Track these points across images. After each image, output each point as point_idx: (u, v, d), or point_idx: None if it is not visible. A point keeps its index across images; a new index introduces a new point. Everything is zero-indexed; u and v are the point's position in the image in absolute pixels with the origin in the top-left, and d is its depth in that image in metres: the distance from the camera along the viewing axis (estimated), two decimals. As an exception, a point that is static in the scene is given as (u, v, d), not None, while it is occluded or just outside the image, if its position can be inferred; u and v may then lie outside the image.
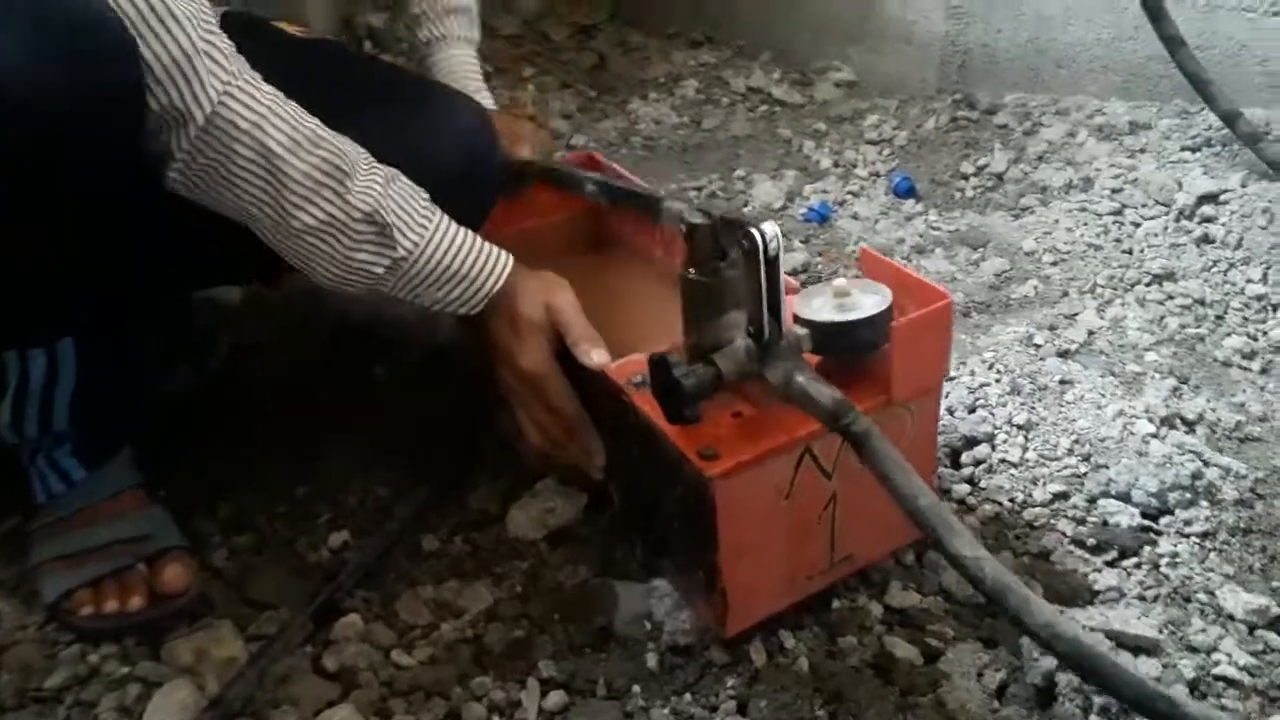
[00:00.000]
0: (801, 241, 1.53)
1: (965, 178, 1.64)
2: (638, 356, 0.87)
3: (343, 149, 0.81)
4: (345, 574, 0.95)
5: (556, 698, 0.84)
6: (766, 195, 1.65)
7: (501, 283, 0.89)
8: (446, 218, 0.88)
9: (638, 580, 0.92)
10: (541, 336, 0.91)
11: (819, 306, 0.79)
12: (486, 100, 1.21)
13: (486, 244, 0.90)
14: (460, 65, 1.22)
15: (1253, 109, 1.47)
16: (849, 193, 1.64)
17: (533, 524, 0.99)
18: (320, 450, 1.12)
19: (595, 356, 0.88)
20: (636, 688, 0.84)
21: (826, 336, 0.77)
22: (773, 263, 0.70)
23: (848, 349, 0.78)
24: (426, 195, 0.87)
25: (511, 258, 0.91)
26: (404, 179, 0.86)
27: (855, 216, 1.57)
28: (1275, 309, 1.22)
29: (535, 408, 0.93)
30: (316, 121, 0.80)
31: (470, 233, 0.89)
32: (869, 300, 0.78)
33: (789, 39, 2.03)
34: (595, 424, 0.92)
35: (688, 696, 0.83)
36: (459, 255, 0.87)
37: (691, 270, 0.77)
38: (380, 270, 0.84)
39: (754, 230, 0.69)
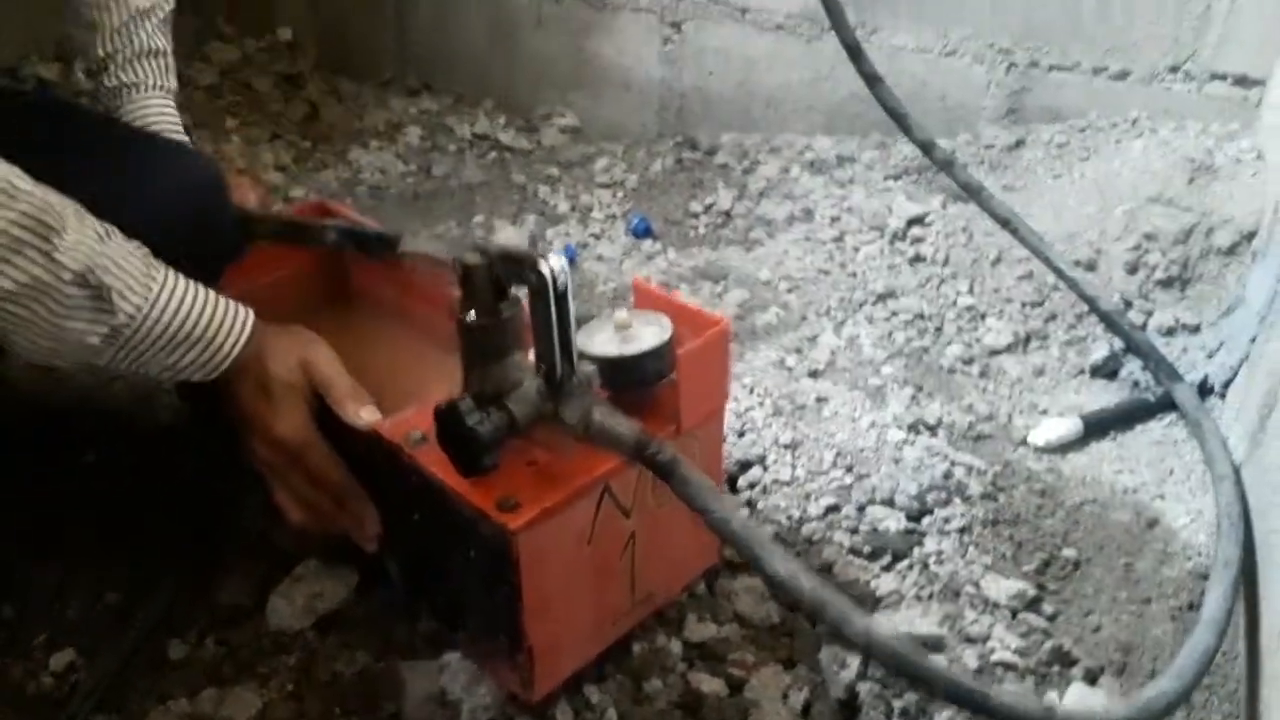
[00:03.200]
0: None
1: (696, 216, 1.70)
2: (409, 412, 0.80)
3: (48, 200, 0.70)
4: (77, 700, 0.81)
5: (351, 800, 0.75)
6: (510, 240, 1.62)
7: (244, 342, 0.80)
8: (174, 273, 0.77)
9: (426, 658, 0.85)
10: (298, 398, 0.82)
11: (603, 342, 0.77)
12: None
13: (223, 299, 0.80)
14: (158, 117, 1.08)
15: (937, 139, 1.63)
16: (591, 235, 1.65)
17: (298, 612, 0.90)
18: (25, 559, 0.95)
19: (365, 415, 0.81)
20: (440, 773, 0.77)
21: (615, 371, 0.75)
22: (562, 298, 0.68)
23: (637, 382, 0.76)
24: (148, 250, 0.76)
25: (253, 313, 0.82)
26: (121, 235, 0.75)
27: (600, 258, 1.58)
28: (984, 317, 1.34)
29: (296, 479, 0.83)
30: (14, 170, 0.68)
31: (203, 288, 0.79)
32: (650, 331, 0.77)
33: (509, 86, 2.02)
34: (364, 489, 0.84)
35: (497, 772, 0.77)
36: (191, 315, 0.77)
37: (470, 315, 0.72)
38: (96, 340, 0.73)
39: (542, 266, 0.66)
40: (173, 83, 1.10)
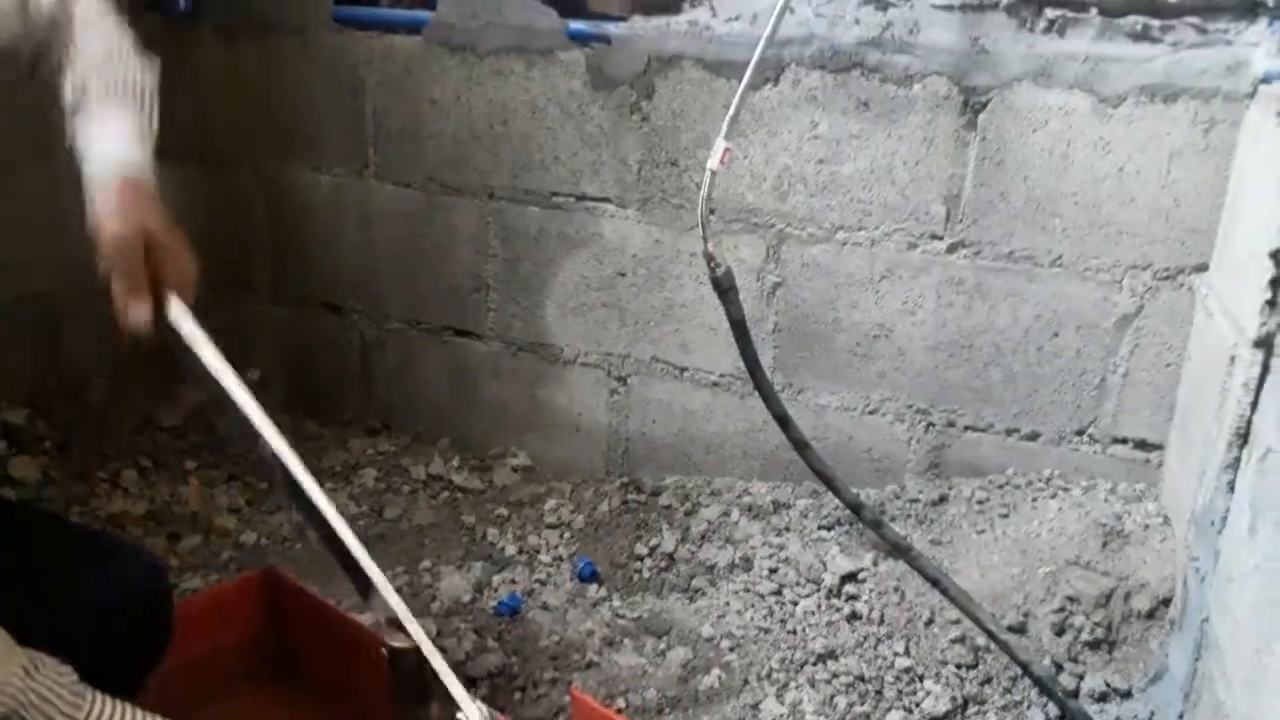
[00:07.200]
0: (495, 639, 1.51)
1: (640, 559, 1.74)
2: None
3: None
4: None
5: None
6: (455, 589, 1.63)
7: None
8: (100, 698, 0.79)
9: None
10: None
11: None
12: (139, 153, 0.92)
13: (150, 717, 0.81)
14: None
15: (865, 489, 1.72)
16: (536, 581, 1.67)
17: None
18: None
19: None
20: None
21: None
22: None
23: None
24: (75, 676, 0.78)
25: None
26: (49, 664, 0.77)
27: (545, 607, 1.60)
28: (921, 679, 1.36)
29: None
30: None
31: (130, 708, 0.81)
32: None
33: (466, 427, 2.12)
34: None
35: None
36: None
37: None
38: None
39: (461, 718, 0.68)
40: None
